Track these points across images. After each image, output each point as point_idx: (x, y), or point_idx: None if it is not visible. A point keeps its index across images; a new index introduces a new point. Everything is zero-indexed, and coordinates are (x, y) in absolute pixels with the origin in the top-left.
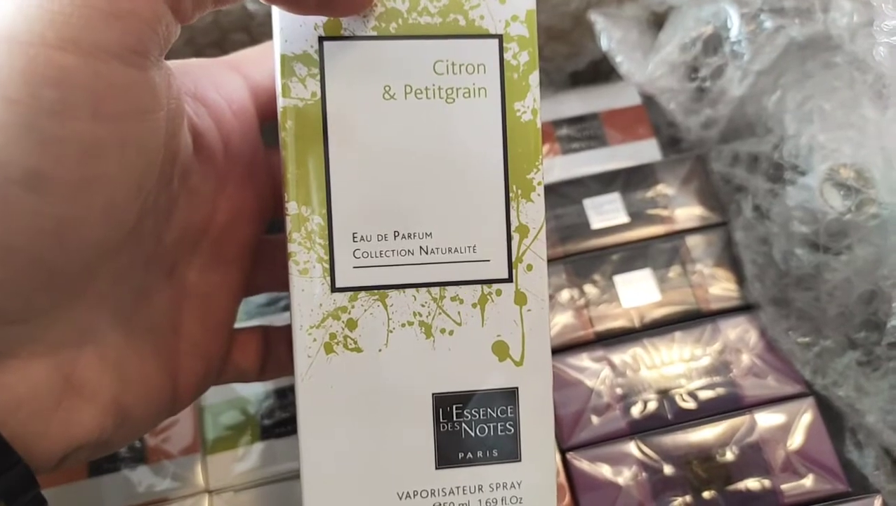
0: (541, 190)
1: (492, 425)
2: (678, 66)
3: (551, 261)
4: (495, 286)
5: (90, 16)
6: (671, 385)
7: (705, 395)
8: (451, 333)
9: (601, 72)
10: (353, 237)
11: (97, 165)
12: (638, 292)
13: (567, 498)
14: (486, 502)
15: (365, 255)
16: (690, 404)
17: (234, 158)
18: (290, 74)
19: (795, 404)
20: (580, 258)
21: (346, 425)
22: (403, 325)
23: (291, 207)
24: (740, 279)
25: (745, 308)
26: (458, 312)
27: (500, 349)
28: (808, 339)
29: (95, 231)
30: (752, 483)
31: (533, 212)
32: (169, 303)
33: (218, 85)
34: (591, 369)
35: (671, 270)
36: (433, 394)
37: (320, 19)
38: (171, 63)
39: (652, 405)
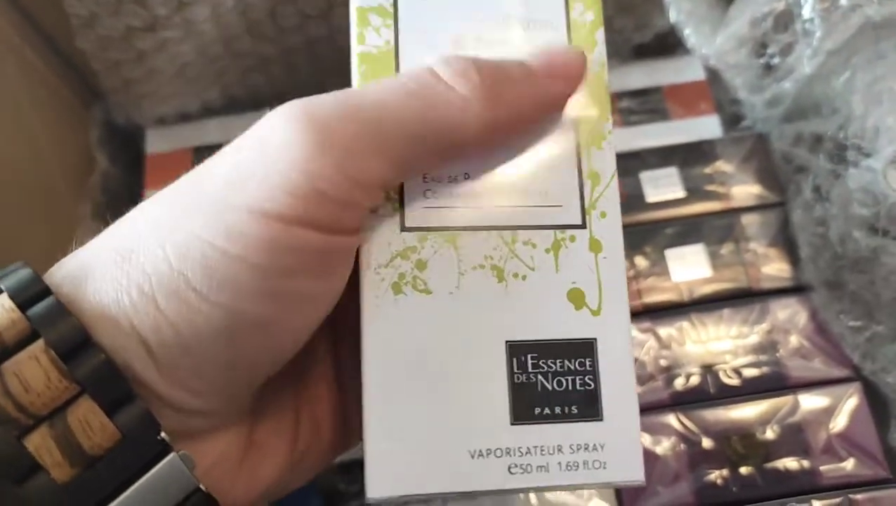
0: (612, 140)
1: (569, 378)
2: (747, 41)
3: None
4: (569, 232)
5: (319, 201)
6: (716, 361)
7: (750, 372)
8: (523, 277)
9: (667, 45)
10: (424, 178)
11: (313, 311)
12: (689, 267)
13: None
14: (567, 466)
15: (435, 195)
16: (734, 381)
17: None
18: (365, 24)
19: (841, 388)
20: (633, 230)
21: (414, 374)
22: (475, 267)
23: None
24: (794, 260)
25: (796, 290)
26: (531, 257)
27: (576, 297)
28: (859, 323)
29: (289, 353)
30: (791, 462)
31: (603, 160)
32: (322, 371)
33: None
34: (637, 340)
35: (724, 248)
36: (507, 342)
37: None
38: None
39: (695, 379)
